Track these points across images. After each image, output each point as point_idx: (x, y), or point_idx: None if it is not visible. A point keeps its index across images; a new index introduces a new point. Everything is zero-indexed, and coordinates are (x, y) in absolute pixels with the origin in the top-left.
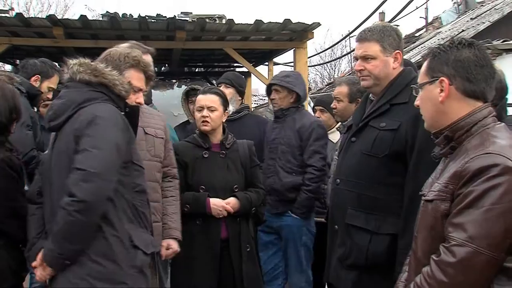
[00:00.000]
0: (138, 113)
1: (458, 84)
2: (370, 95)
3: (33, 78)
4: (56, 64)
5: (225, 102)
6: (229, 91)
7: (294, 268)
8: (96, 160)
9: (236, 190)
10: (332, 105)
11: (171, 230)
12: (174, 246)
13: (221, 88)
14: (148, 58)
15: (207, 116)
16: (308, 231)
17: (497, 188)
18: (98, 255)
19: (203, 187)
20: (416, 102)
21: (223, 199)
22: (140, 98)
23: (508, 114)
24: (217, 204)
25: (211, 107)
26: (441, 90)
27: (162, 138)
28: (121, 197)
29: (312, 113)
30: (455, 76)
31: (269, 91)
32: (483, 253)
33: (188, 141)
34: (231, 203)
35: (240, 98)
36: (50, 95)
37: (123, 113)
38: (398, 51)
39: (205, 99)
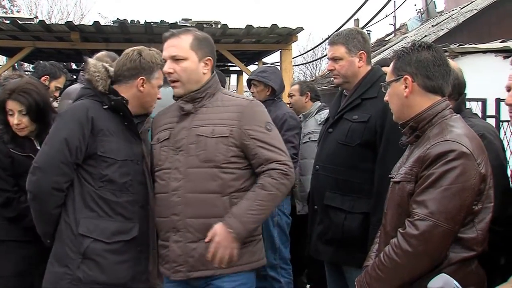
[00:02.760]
0: (122, 105)
1: (420, 81)
2: (344, 91)
3: (42, 78)
4: (74, 64)
5: None
6: None
7: (267, 246)
8: (42, 155)
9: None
10: (287, 100)
11: (227, 215)
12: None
13: None
14: None
15: None
16: (281, 212)
17: (453, 170)
18: (55, 238)
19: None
20: (386, 98)
21: None
22: (159, 94)
23: (466, 107)
24: None
25: None
26: (406, 87)
27: (224, 136)
28: (85, 186)
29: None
30: (417, 74)
31: (249, 85)
32: (441, 226)
33: None
34: None
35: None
36: (57, 93)
37: (105, 107)
38: (362, 51)
39: None
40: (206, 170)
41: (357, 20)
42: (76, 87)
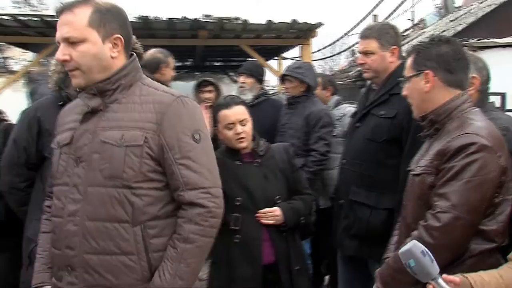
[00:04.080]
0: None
1: (441, 75)
2: (373, 85)
3: None
4: None
5: (247, 107)
6: (250, 81)
7: None
8: (2, 155)
9: (279, 202)
10: None
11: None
12: None
13: (241, 78)
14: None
15: (242, 132)
16: None
17: (474, 163)
18: None
19: (239, 199)
20: (404, 92)
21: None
22: None
23: (488, 101)
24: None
25: (243, 121)
26: (426, 82)
27: (137, 145)
28: (38, 188)
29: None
30: (438, 68)
31: (282, 80)
32: (463, 218)
33: (219, 154)
34: (275, 211)
35: (259, 86)
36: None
37: (60, 103)
38: (395, 46)
39: (234, 113)
40: (111, 190)
41: (375, 16)
42: None
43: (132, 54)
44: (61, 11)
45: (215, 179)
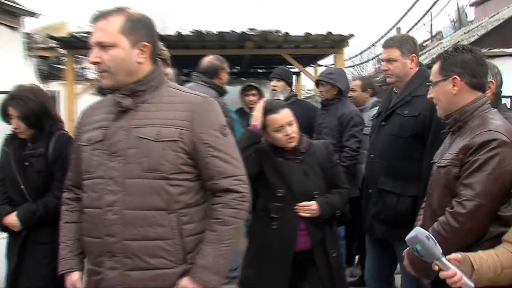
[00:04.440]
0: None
1: (466, 79)
2: (394, 89)
3: None
4: None
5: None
6: (280, 84)
7: None
8: None
9: (317, 197)
10: (349, 94)
11: (193, 268)
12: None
13: (273, 82)
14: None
15: (291, 133)
16: None
17: (496, 157)
18: None
19: (280, 191)
20: (430, 95)
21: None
22: None
23: (501, 102)
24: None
25: (290, 122)
26: (454, 85)
27: (173, 140)
28: None
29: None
30: (464, 73)
31: (317, 85)
32: (485, 206)
33: (263, 148)
34: (312, 205)
35: (289, 88)
36: None
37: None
38: (414, 54)
39: (282, 117)
40: (149, 181)
41: (398, 29)
42: (190, 85)
43: (157, 60)
44: (96, 18)
45: (243, 168)
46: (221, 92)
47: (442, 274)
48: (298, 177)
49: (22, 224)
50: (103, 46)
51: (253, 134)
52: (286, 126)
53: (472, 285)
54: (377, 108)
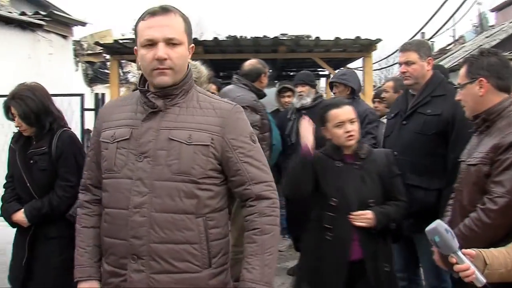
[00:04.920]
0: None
1: (493, 81)
2: (410, 91)
3: None
4: None
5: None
6: (305, 88)
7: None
8: None
9: (372, 205)
10: (382, 95)
11: (243, 283)
12: None
13: (299, 88)
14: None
15: (351, 130)
16: None
17: None
18: None
19: (335, 199)
20: (458, 97)
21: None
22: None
23: None
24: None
25: (352, 119)
26: (480, 87)
27: (205, 145)
28: None
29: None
30: (490, 76)
31: (331, 87)
32: None
33: (322, 151)
34: (367, 214)
35: (314, 90)
36: None
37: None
38: (430, 58)
39: (344, 112)
40: (179, 184)
41: (423, 33)
42: (230, 87)
43: (189, 63)
44: (155, 13)
45: (271, 174)
46: (261, 95)
47: (457, 267)
48: (354, 183)
49: (29, 220)
50: (172, 43)
51: (306, 158)
52: (347, 122)
53: (484, 280)
54: None
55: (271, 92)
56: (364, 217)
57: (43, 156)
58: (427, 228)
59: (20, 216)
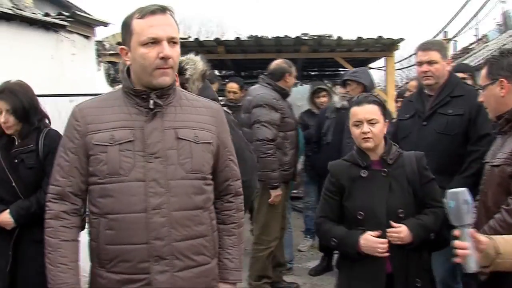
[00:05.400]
0: None
1: None
2: (426, 91)
3: None
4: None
5: (385, 111)
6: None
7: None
8: None
9: (402, 216)
10: (405, 94)
11: (227, 273)
12: None
13: (342, 89)
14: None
15: (368, 132)
16: None
17: None
18: None
19: (361, 213)
20: (481, 99)
21: (386, 227)
22: None
23: None
24: (369, 243)
25: (371, 120)
26: (501, 88)
27: (208, 143)
28: None
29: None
30: (511, 76)
31: (344, 85)
32: None
33: (345, 159)
34: (401, 232)
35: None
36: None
37: None
38: (450, 58)
39: (363, 111)
40: (192, 182)
41: (445, 32)
42: (254, 86)
43: None
44: (154, 11)
45: None
46: (284, 95)
47: (456, 243)
48: (382, 193)
49: (16, 221)
50: (173, 41)
51: (351, 247)
52: (365, 122)
53: (474, 269)
54: None
55: (293, 92)
56: (397, 236)
57: (31, 154)
58: (451, 190)
59: (4, 217)
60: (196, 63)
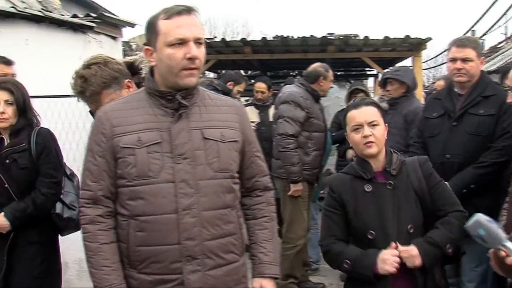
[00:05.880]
0: None
1: None
2: (456, 90)
3: (228, 83)
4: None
5: (384, 112)
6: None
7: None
8: None
9: (411, 231)
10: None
11: (263, 266)
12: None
13: (382, 90)
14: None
15: (370, 135)
16: None
17: None
18: None
19: (372, 232)
20: (509, 100)
21: (395, 247)
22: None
23: None
24: (387, 262)
25: (372, 122)
26: None
27: (235, 141)
28: None
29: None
30: None
31: (384, 83)
32: None
33: (346, 172)
34: (411, 253)
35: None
36: (238, 95)
37: None
38: (483, 57)
39: (362, 114)
40: (221, 181)
41: (473, 31)
42: (289, 86)
43: None
44: (180, 12)
45: None
46: (316, 97)
47: (510, 260)
48: (390, 209)
49: (12, 224)
50: (199, 42)
51: (367, 268)
52: (365, 125)
53: None
54: None
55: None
56: (408, 255)
57: (23, 153)
58: (468, 224)
59: (0, 220)
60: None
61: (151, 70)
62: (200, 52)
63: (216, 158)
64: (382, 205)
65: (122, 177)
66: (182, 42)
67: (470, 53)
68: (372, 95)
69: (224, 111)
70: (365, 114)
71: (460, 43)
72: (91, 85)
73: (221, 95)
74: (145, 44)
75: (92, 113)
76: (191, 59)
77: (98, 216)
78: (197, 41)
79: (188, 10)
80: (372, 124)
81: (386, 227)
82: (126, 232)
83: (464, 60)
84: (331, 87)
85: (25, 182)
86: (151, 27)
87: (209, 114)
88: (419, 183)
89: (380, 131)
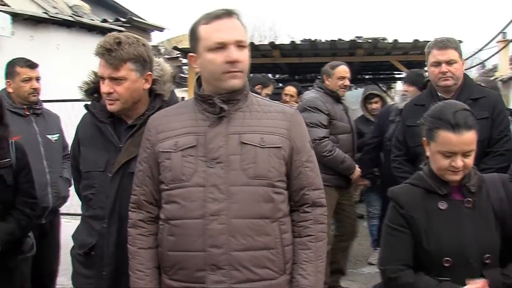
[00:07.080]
0: (87, 107)
1: None
2: (440, 94)
3: (256, 86)
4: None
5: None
6: (411, 89)
7: None
8: None
9: (488, 261)
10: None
11: None
12: None
13: (404, 86)
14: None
15: (460, 166)
16: None
17: None
18: None
19: (449, 259)
20: None
21: (471, 276)
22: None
23: None
24: None
25: (468, 152)
26: None
27: (277, 147)
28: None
29: None
30: None
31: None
32: None
33: (414, 183)
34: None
35: (420, 94)
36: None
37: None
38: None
39: (461, 141)
40: (256, 188)
41: (504, 33)
42: (308, 92)
43: None
44: (219, 16)
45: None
46: (336, 98)
47: None
48: (471, 231)
49: (2, 247)
50: (241, 45)
51: None
52: (459, 155)
53: None
54: None
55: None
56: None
57: (9, 169)
58: None
59: None
60: (161, 64)
61: (199, 77)
62: (242, 55)
63: (253, 164)
64: (460, 227)
65: (161, 181)
66: (222, 46)
67: (453, 54)
68: (388, 99)
69: (271, 117)
70: (464, 142)
71: (441, 45)
72: (122, 49)
73: (274, 101)
74: (188, 51)
75: (87, 107)
76: (232, 62)
77: (139, 221)
78: (239, 44)
79: (228, 14)
80: (466, 154)
81: (466, 254)
82: (162, 236)
83: (449, 62)
84: (347, 86)
85: (10, 201)
86: (193, 34)
87: (252, 120)
88: (501, 204)
89: (472, 159)
